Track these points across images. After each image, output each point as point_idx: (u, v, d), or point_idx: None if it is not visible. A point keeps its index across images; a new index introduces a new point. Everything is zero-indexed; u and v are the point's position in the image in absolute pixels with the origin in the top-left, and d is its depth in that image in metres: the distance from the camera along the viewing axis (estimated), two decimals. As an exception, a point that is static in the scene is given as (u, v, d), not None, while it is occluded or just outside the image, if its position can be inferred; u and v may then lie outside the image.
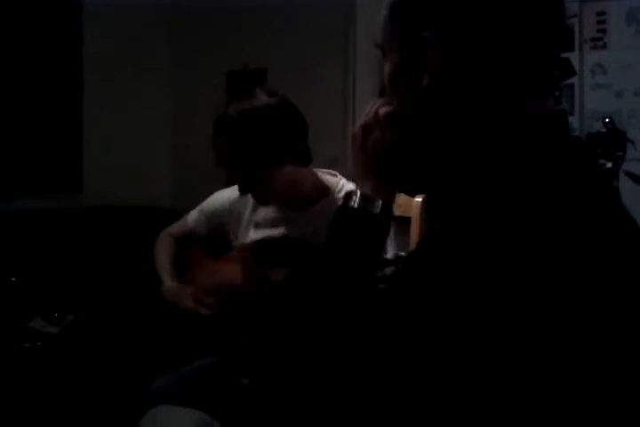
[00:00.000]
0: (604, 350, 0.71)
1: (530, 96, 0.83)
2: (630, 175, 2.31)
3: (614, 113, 2.68)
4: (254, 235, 1.94)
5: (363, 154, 0.93)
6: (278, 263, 1.84)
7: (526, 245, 0.70)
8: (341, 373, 0.77)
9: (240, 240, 1.98)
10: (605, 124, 2.34)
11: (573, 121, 2.95)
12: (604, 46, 2.91)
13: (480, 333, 0.69)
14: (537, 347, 0.68)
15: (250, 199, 1.98)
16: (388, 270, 0.95)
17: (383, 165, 0.92)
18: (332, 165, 2.11)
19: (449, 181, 0.85)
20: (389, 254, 0.97)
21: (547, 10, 0.82)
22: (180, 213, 2.23)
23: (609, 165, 2.27)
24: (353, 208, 0.91)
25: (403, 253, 0.99)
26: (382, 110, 0.92)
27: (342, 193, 1.76)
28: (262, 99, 1.77)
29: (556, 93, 2.99)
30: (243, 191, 1.87)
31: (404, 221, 1.82)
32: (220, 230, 2.05)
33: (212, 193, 2.14)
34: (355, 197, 0.92)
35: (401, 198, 1.87)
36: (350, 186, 1.81)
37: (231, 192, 2.04)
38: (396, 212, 1.84)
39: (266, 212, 1.94)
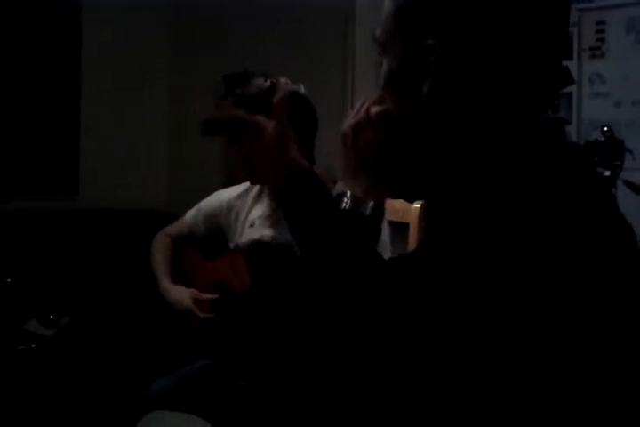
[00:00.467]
0: (595, 345, 0.71)
1: (529, 105, 0.83)
2: (628, 184, 2.31)
3: (612, 122, 2.68)
4: (250, 234, 1.94)
5: (354, 153, 0.92)
6: (269, 267, 1.84)
7: (524, 246, 0.70)
8: (338, 377, 0.77)
9: (236, 239, 1.98)
10: (604, 132, 2.34)
11: (571, 130, 2.95)
12: (603, 55, 2.92)
13: (477, 329, 0.69)
14: (534, 343, 0.68)
15: (248, 199, 1.99)
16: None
17: (375, 164, 0.91)
18: (329, 170, 2.12)
19: (446, 186, 0.85)
20: (385, 257, 0.96)
21: (551, 19, 0.82)
22: (175, 216, 2.23)
23: (607, 173, 2.27)
24: (344, 210, 0.90)
25: (403, 253, 0.98)
26: (374, 109, 0.91)
27: None
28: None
29: (555, 102, 2.99)
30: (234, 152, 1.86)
31: (403, 227, 1.82)
32: (217, 230, 2.05)
33: (207, 196, 2.14)
34: (345, 199, 0.91)
35: (399, 204, 1.88)
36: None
37: (230, 192, 2.05)
38: (395, 218, 1.85)
39: (262, 210, 1.95)
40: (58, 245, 3.20)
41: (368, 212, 0.90)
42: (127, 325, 2.98)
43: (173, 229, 2.17)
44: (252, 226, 1.95)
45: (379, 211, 0.92)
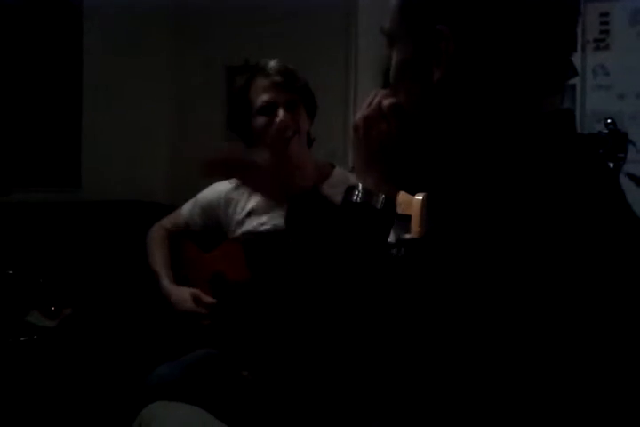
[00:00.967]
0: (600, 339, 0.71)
1: (539, 94, 0.82)
2: (632, 177, 2.30)
3: (616, 114, 2.67)
4: (249, 223, 1.94)
5: (365, 146, 0.91)
6: (267, 256, 1.84)
7: (532, 238, 0.70)
8: (339, 366, 0.76)
9: (235, 229, 1.98)
10: (607, 125, 2.33)
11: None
12: (607, 47, 2.91)
13: (481, 322, 0.68)
14: (538, 338, 0.68)
15: (245, 190, 1.98)
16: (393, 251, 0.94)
17: (387, 157, 0.90)
18: (330, 158, 2.12)
19: (454, 177, 0.84)
20: (391, 238, 0.95)
21: (563, 8, 0.82)
22: (177, 208, 2.22)
23: (610, 166, 2.27)
24: (355, 202, 0.90)
25: (404, 236, 0.98)
26: (386, 102, 0.90)
27: (338, 183, 1.76)
28: None
29: (562, 92, 2.98)
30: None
31: (405, 219, 1.82)
32: (214, 223, 2.05)
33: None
34: (357, 192, 0.90)
35: (401, 196, 1.87)
36: (350, 177, 1.82)
37: (227, 184, 2.04)
38: (397, 210, 1.85)
39: (260, 198, 1.95)
40: (60, 237, 3.20)
41: (379, 205, 0.90)
42: (129, 316, 2.99)
43: (169, 221, 2.16)
44: (249, 215, 1.96)
45: (390, 205, 0.91)
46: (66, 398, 2.63)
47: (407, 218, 1.82)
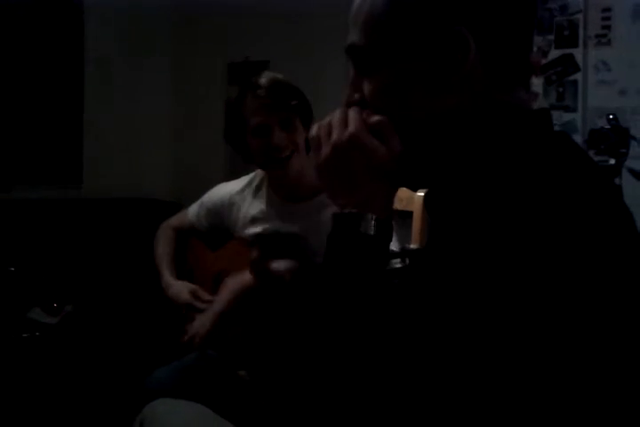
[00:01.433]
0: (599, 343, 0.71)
1: (520, 90, 0.83)
2: (633, 172, 2.30)
3: (618, 110, 2.66)
4: (252, 229, 1.94)
5: (358, 167, 0.83)
6: (273, 257, 1.84)
7: (524, 235, 0.69)
8: (340, 365, 0.76)
9: (240, 234, 1.98)
10: (609, 120, 2.33)
11: (576, 117, 2.93)
12: (609, 43, 2.90)
13: (494, 333, 0.67)
14: (539, 341, 0.68)
15: (248, 194, 1.98)
16: (395, 263, 0.92)
17: (385, 175, 0.84)
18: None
19: (449, 175, 0.83)
20: (395, 247, 0.93)
21: (531, 10, 0.82)
22: (179, 205, 2.23)
23: (612, 161, 2.26)
24: (368, 235, 0.84)
25: (409, 246, 0.95)
26: (375, 119, 0.82)
27: None
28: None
29: (560, 90, 2.97)
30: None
31: (406, 216, 1.82)
32: (219, 224, 2.05)
33: (212, 185, 2.13)
34: (368, 222, 0.84)
35: (402, 193, 1.87)
36: None
37: (232, 187, 2.04)
38: (398, 206, 1.84)
39: (263, 206, 1.94)
40: (61, 234, 3.20)
41: (372, 230, 0.86)
42: (130, 313, 2.99)
43: (176, 221, 2.16)
44: (252, 222, 1.95)
45: (386, 227, 0.86)
46: (67, 393, 2.63)
47: (409, 214, 1.81)
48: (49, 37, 3.48)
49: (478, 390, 0.68)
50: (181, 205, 2.22)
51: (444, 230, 0.76)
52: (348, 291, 0.80)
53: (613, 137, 2.28)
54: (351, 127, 0.82)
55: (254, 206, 1.96)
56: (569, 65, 2.95)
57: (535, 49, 3.00)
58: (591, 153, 2.56)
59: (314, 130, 0.86)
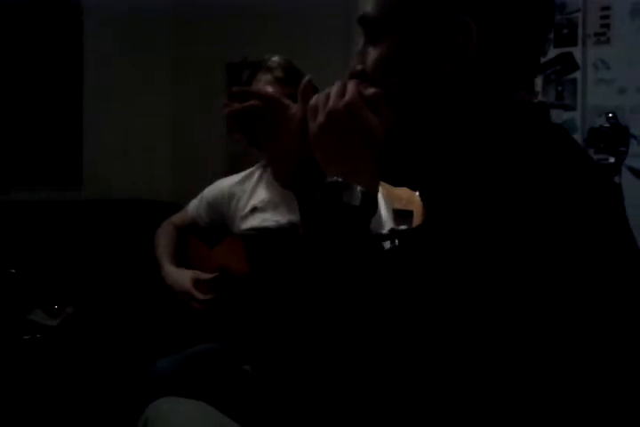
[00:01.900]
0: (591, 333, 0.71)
1: (522, 88, 0.84)
2: (633, 171, 2.30)
3: (617, 108, 2.67)
4: (253, 219, 1.95)
5: (351, 137, 0.86)
6: (268, 252, 1.84)
7: (516, 226, 0.69)
8: (343, 359, 0.76)
9: (239, 226, 1.98)
10: (609, 119, 2.33)
11: (576, 116, 2.94)
12: (608, 41, 2.90)
13: (485, 316, 0.68)
14: (536, 336, 0.68)
15: (249, 185, 1.99)
16: (386, 244, 0.91)
17: (375, 148, 0.86)
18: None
19: (445, 167, 0.84)
20: (385, 229, 0.92)
21: (546, 5, 0.84)
22: (179, 206, 2.24)
23: (612, 160, 2.27)
24: (353, 205, 0.85)
25: (398, 227, 0.94)
26: (370, 91, 0.86)
27: None
28: None
29: (559, 88, 2.97)
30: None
31: (407, 215, 1.82)
32: (220, 218, 2.06)
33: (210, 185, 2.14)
34: (355, 193, 0.84)
35: (403, 192, 1.87)
36: None
37: (231, 180, 2.06)
38: (399, 206, 1.85)
39: (262, 195, 1.95)
40: (61, 236, 3.20)
41: (358, 201, 0.84)
42: (131, 314, 2.99)
43: (177, 218, 2.19)
44: (253, 211, 1.96)
45: (369, 198, 0.86)
46: (69, 395, 2.63)
47: (409, 214, 1.82)
48: (48, 39, 3.48)
49: (472, 383, 0.68)
50: (181, 207, 2.22)
51: (437, 219, 0.77)
52: (331, 264, 0.80)
53: (613, 135, 2.28)
54: (347, 97, 0.86)
55: (255, 196, 1.97)
56: (568, 63, 2.95)
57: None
58: (591, 152, 2.56)
59: (313, 100, 0.91)
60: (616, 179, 2.27)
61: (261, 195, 1.96)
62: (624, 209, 0.81)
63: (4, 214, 3.07)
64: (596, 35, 2.92)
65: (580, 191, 0.75)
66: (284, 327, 1.64)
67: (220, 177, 2.14)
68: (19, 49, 3.38)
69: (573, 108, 2.94)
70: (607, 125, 2.33)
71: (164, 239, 2.12)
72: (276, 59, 1.89)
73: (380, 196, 1.82)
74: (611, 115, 2.35)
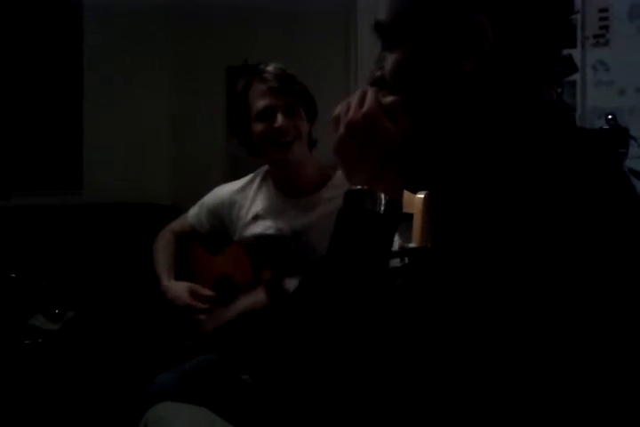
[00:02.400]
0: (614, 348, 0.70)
1: (543, 86, 0.83)
2: (633, 172, 2.30)
3: (616, 110, 2.66)
4: (255, 226, 1.94)
5: (372, 147, 0.86)
6: (271, 261, 1.84)
7: (539, 239, 0.68)
8: (346, 370, 0.76)
9: (241, 233, 1.97)
10: (608, 120, 2.33)
11: (575, 118, 2.94)
12: (607, 43, 2.90)
13: (499, 334, 0.67)
14: (546, 343, 0.67)
15: (250, 192, 1.99)
16: (395, 262, 0.92)
17: (396, 156, 0.86)
18: (333, 160, 2.12)
19: (457, 173, 0.83)
20: (395, 246, 0.93)
21: (565, 5, 0.83)
22: (179, 210, 2.23)
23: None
24: (382, 214, 0.85)
25: (409, 245, 0.95)
26: (389, 99, 0.86)
27: (341, 185, 1.76)
28: None
29: (559, 90, 2.98)
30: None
31: (407, 218, 1.82)
32: (220, 225, 2.05)
33: (211, 189, 2.13)
34: (378, 200, 0.85)
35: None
36: None
37: (231, 187, 2.05)
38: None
39: (264, 203, 1.94)
40: (62, 240, 3.20)
41: (383, 209, 0.86)
42: (131, 319, 2.99)
43: (176, 225, 2.16)
44: (254, 219, 1.95)
45: (398, 206, 0.87)
46: (70, 400, 2.63)
47: (409, 216, 1.82)
48: (48, 41, 3.48)
49: (477, 391, 0.68)
50: (181, 210, 2.22)
51: (448, 230, 0.76)
52: (353, 281, 0.80)
53: (612, 137, 2.28)
54: (366, 107, 0.86)
55: (256, 204, 1.97)
56: (567, 65, 2.95)
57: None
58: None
59: (336, 109, 0.91)
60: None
61: (262, 202, 1.95)
62: None
63: (5, 219, 3.07)
64: (594, 36, 2.92)
65: (600, 209, 0.73)
66: (284, 336, 1.63)
67: (221, 181, 2.13)
68: (18, 50, 3.38)
69: (573, 110, 2.94)
70: (607, 127, 2.33)
71: (162, 251, 2.10)
72: (270, 68, 1.87)
73: None
74: (610, 116, 2.35)
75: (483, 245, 0.71)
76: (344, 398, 0.76)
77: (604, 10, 2.90)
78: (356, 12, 3.17)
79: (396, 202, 0.87)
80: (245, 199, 1.99)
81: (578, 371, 0.68)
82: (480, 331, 0.68)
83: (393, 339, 0.72)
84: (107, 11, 3.61)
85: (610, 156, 0.81)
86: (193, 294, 1.93)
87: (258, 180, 2.01)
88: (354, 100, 0.89)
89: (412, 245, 1.12)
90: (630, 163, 2.33)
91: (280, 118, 1.83)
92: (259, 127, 1.86)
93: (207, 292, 1.91)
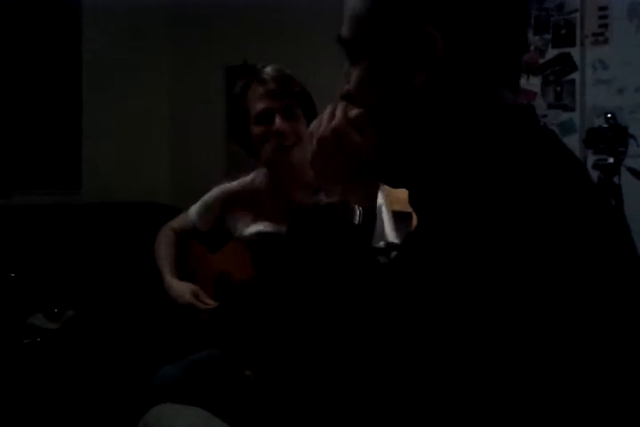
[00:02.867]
0: (589, 342, 0.71)
1: (505, 91, 0.84)
2: (632, 171, 2.30)
3: (616, 109, 2.67)
4: (255, 226, 1.95)
5: (342, 159, 0.89)
6: (273, 256, 1.84)
7: (508, 233, 0.69)
8: (344, 365, 0.76)
9: (241, 232, 1.98)
10: (607, 119, 2.33)
11: (574, 117, 2.94)
12: (606, 42, 2.90)
13: (475, 326, 0.68)
14: (531, 341, 0.68)
15: (250, 192, 1.99)
16: (381, 259, 0.93)
17: (367, 167, 0.89)
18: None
19: (431, 173, 0.83)
20: (381, 243, 0.95)
21: (521, 9, 0.84)
22: (178, 209, 2.23)
23: (611, 160, 2.26)
24: (358, 225, 0.87)
25: (393, 241, 0.97)
26: (354, 113, 0.88)
27: None
28: None
29: (558, 89, 2.98)
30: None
31: (406, 217, 1.82)
32: (220, 224, 2.05)
33: (210, 189, 2.14)
34: (353, 211, 0.88)
35: (401, 194, 1.87)
36: None
37: (232, 186, 2.05)
38: (398, 207, 1.85)
39: (265, 203, 1.95)
40: (61, 239, 3.20)
41: (358, 220, 0.89)
42: (131, 317, 2.99)
43: (177, 223, 2.17)
44: (254, 218, 1.96)
45: (371, 216, 0.90)
46: (70, 399, 2.63)
47: (408, 216, 1.82)
48: (46, 41, 3.48)
49: (469, 390, 0.68)
50: (180, 209, 2.22)
51: (427, 227, 0.77)
52: (335, 289, 0.82)
53: (612, 136, 2.28)
54: (334, 122, 0.89)
55: (256, 204, 1.97)
56: (566, 64, 2.95)
57: (532, 48, 3.00)
58: (589, 152, 2.56)
59: (312, 125, 0.94)
60: (615, 179, 2.27)
61: (263, 202, 1.95)
62: (617, 213, 0.80)
63: (5, 218, 3.07)
64: (594, 35, 2.92)
65: (569, 199, 0.75)
66: (285, 333, 1.64)
67: (220, 179, 2.13)
68: (17, 50, 3.38)
69: (572, 109, 2.94)
70: (606, 126, 2.33)
71: (164, 249, 2.10)
72: (268, 70, 1.86)
73: (383, 209, 1.82)
74: (609, 115, 2.35)
75: (447, 239, 0.72)
76: (345, 397, 0.76)
77: (604, 8, 2.90)
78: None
79: (370, 212, 0.90)
80: (245, 199, 2.00)
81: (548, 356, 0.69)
82: (461, 325, 0.68)
83: (377, 333, 0.73)
84: (105, 11, 3.61)
85: (568, 151, 0.82)
86: (195, 295, 1.93)
87: (258, 179, 2.01)
88: (324, 115, 0.91)
89: (396, 241, 1.13)
90: (630, 162, 2.33)
91: (278, 121, 1.82)
92: (257, 130, 1.85)
93: (209, 300, 1.91)
